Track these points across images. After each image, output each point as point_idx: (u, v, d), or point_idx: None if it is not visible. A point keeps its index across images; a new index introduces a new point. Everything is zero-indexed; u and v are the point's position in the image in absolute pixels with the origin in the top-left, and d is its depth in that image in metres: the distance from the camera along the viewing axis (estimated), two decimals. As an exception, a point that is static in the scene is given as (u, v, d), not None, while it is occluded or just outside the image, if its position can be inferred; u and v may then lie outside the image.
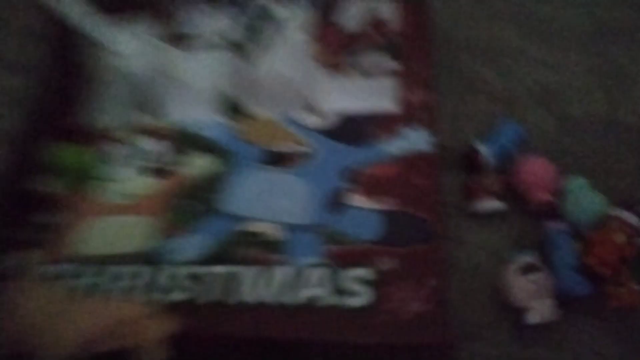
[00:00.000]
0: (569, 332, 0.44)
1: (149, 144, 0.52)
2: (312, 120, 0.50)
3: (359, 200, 0.45)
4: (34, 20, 0.55)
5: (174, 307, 0.40)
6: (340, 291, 0.41)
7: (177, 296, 0.42)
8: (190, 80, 0.54)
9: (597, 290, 0.43)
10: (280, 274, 0.42)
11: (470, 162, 0.51)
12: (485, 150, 0.50)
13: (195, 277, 0.43)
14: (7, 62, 0.54)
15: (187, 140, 0.51)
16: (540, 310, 0.43)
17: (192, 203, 0.47)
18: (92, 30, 0.54)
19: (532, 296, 0.43)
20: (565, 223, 0.46)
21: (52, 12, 0.53)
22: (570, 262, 0.44)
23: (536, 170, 0.49)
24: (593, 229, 0.45)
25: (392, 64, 0.51)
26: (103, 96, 0.54)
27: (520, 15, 0.62)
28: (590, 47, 0.59)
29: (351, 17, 0.54)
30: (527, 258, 0.45)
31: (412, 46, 0.52)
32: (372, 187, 0.45)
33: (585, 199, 0.46)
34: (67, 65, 0.56)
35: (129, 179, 0.50)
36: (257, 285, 0.42)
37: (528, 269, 0.44)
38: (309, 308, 0.41)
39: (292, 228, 0.45)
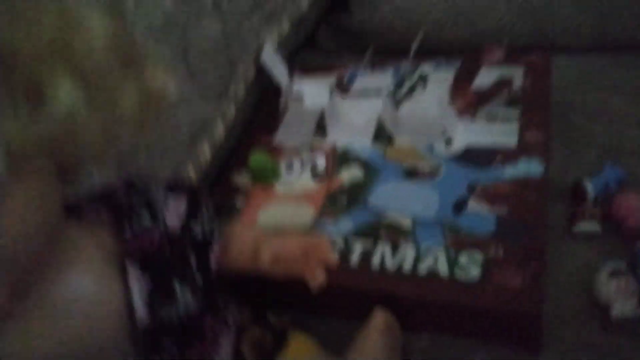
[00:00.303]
0: None
1: (318, 158, 0.69)
2: (444, 150, 0.64)
3: (477, 206, 0.57)
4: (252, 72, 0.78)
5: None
6: (454, 267, 0.52)
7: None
8: (353, 117, 0.72)
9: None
10: (406, 250, 0.55)
11: (576, 195, 0.61)
12: (589, 185, 0.60)
13: (343, 246, 0.57)
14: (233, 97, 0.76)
15: (345, 157, 0.68)
16: (622, 306, 0.50)
17: (344, 198, 0.63)
18: (288, 82, 0.75)
19: (617, 295, 0.50)
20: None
21: (266, 70, 0.76)
22: (656, 272, 0.51)
23: (631, 202, 0.57)
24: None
25: (515, 113, 0.65)
26: (291, 125, 0.74)
27: (625, 87, 0.73)
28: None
29: (485, 79, 0.69)
30: (615, 264, 0.53)
31: (532, 100, 0.65)
32: (490, 197, 0.57)
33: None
34: (271, 103, 0.77)
35: (299, 180, 0.67)
36: (386, 257, 0.55)
37: (615, 273, 0.52)
38: (428, 277, 0.53)
39: (420, 221, 0.58)
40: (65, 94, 0.33)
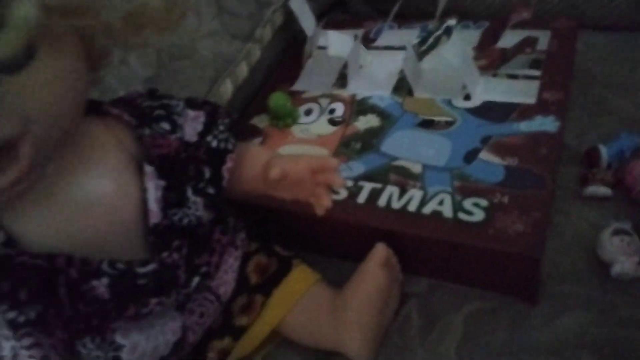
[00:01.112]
0: None
1: (336, 106, 0.70)
2: (462, 103, 0.64)
3: (488, 157, 0.57)
4: (281, 17, 0.79)
5: (336, 202, 0.55)
6: (459, 210, 0.53)
7: (339, 197, 0.57)
8: (375, 69, 0.73)
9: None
10: (414, 193, 0.56)
11: (589, 158, 0.60)
12: (604, 150, 0.60)
13: (352, 187, 0.58)
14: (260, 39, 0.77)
15: (363, 106, 0.68)
16: (624, 264, 0.50)
17: (357, 143, 0.64)
18: (314, 31, 0.76)
19: (620, 252, 0.50)
20: (663, 208, 0.54)
21: (295, 16, 0.77)
22: (661, 234, 0.51)
23: (640, 167, 0.57)
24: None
25: (535, 72, 0.65)
26: (312, 73, 0.75)
27: None
28: None
29: (510, 39, 0.69)
30: (620, 224, 0.53)
31: (555, 63, 0.65)
32: (502, 149, 0.57)
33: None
34: (297, 50, 0.78)
35: (315, 124, 0.68)
36: (394, 198, 0.56)
37: (620, 232, 0.52)
38: (433, 217, 0.53)
39: (430, 167, 0.58)
40: None
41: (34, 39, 0.32)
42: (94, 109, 0.45)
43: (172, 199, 0.45)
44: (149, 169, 0.44)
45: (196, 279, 0.46)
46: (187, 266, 0.45)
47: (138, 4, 0.39)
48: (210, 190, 0.48)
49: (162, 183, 0.44)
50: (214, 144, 0.49)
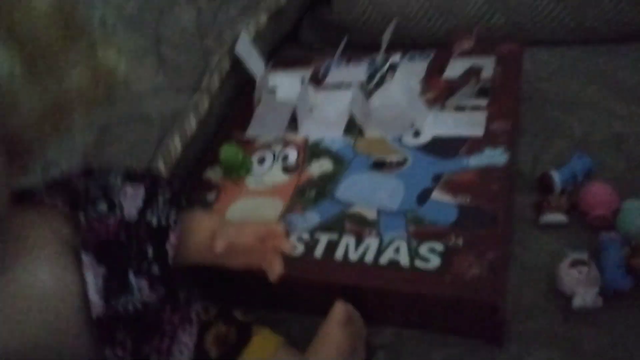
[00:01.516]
0: (610, 318, 0.49)
1: (289, 151, 0.69)
2: (412, 140, 0.64)
3: (440, 196, 0.57)
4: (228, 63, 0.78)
5: (294, 258, 0.54)
6: (415, 257, 0.52)
7: (296, 252, 0.56)
8: (325, 110, 0.72)
9: (638, 287, 0.49)
10: (370, 242, 0.55)
11: (543, 185, 0.60)
12: (556, 175, 0.59)
13: (309, 239, 0.57)
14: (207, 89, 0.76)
15: (316, 150, 0.68)
16: (584, 296, 0.49)
17: (312, 191, 0.63)
18: (262, 75, 0.75)
19: (579, 284, 0.50)
20: (617, 234, 0.53)
21: (242, 62, 0.76)
22: (616, 262, 0.50)
23: (597, 191, 0.56)
24: (640, 239, 0.51)
25: (482, 102, 0.64)
26: (264, 118, 0.74)
27: (599, 76, 0.72)
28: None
29: (456, 69, 0.68)
30: (577, 254, 0.52)
31: (500, 90, 0.65)
32: (453, 188, 0.57)
33: (637, 216, 0.53)
34: (246, 96, 0.77)
35: (269, 173, 0.67)
36: (350, 249, 0.55)
37: (577, 263, 0.51)
38: (390, 267, 0.52)
39: (385, 212, 0.57)
40: (1, 59, 0.33)
41: None
42: (28, 198, 0.43)
43: (114, 287, 0.43)
44: (86, 257, 0.42)
45: None
46: (135, 357, 0.43)
47: (60, 93, 0.38)
48: (155, 270, 0.46)
49: (102, 270, 0.42)
50: (154, 221, 0.47)
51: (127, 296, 0.44)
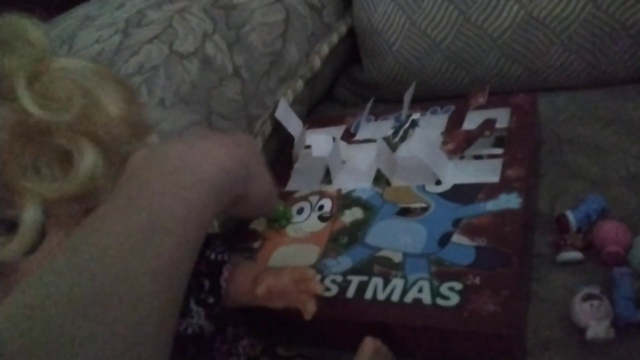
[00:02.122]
0: (622, 349, 0.52)
1: (324, 202, 0.77)
2: (434, 188, 0.70)
3: (460, 239, 0.62)
4: (270, 127, 0.88)
5: (328, 299, 0.61)
6: (437, 296, 0.58)
7: (330, 293, 0.63)
8: (356, 162, 0.79)
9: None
10: (396, 283, 0.61)
11: (559, 225, 0.64)
12: (571, 216, 0.64)
13: (341, 281, 0.64)
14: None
15: (348, 200, 0.75)
16: (597, 328, 0.53)
17: (345, 238, 0.70)
18: (300, 135, 0.84)
19: (591, 317, 0.53)
20: (629, 268, 0.56)
21: (282, 125, 0.86)
22: (628, 295, 0.53)
23: (611, 229, 0.60)
24: (651, 272, 0.55)
25: (498, 151, 0.70)
26: (301, 173, 0.82)
27: (614, 118, 0.76)
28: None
29: (473, 122, 0.75)
30: (590, 289, 0.56)
31: (515, 138, 0.70)
32: (471, 230, 0.62)
33: (648, 250, 0.56)
34: (285, 155, 0.86)
35: (307, 223, 0.75)
36: (379, 290, 0.61)
37: (590, 297, 0.55)
38: (415, 305, 0.58)
39: (409, 255, 0.63)
40: (89, 158, 0.43)
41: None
42: None
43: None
44: None
45: None
46: None
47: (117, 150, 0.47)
48: (210, 300, 0.55)
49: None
50: (212, 256, 0.57)
51: (187, 319, 0.52)
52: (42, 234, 0.41)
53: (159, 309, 0.34)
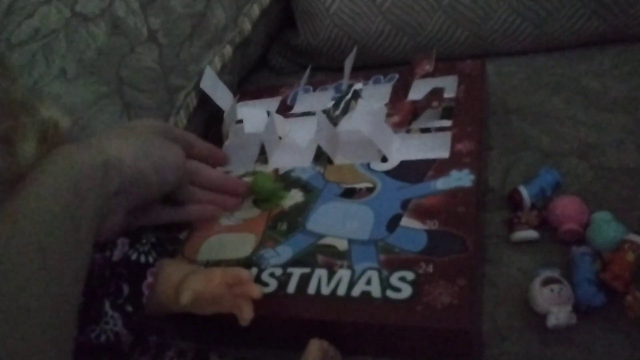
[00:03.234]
0: (584, 335, 0.49)
1: (259, 184, 0.69)
2: (380, 166, 0.64)
3: (409, 222, 0.57)
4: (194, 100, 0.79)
5: (267, 295, 0.54)
6: (387, 288, 0.52)
7: (268, 288, 0.56)
8: (294, 139, 0.72)
9: (611, 302, 0.49)
10: (342, 274, 0.55)
11: (513, 201, 0.60)
12: (525, 191, 0.59)
13: (281, 275, 0.57)
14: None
15: (286, 179, 0.67)
16: (558, 314, 0.49)
17: (284, 224, 0.62)
18: (230, 108, 0.75)
19: (552, 303, 0.50)
20: (588, 247, 0.53)
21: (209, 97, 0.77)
22: (589, 277, 0.50)
23: (567, 206, 0.56)
24: (610, 251, 0.51)
25: (447, 123, 0.64)
26: (233, 151, 0.73)
27: (565, 86, 0.73)
28: (624, 109, 0.66)
29: (419, 92, 0.69)
30: (549, 272, 0.52)
31: (464, 109, 0.65)
32: (421, 212, 0.57)
33: (606, 228, 0.52)
34: (214, 131, 0.77)
35: (242, 209, 0.67)
36: (323, 283, 0.55)
37: (549, 281, 0.51)
38: (363, 299, 0.52)
39: (356, 242, 0.57)
40: None
41: None
42: None
43: (90, 316, 0.44)
44: None
45: None
46: None
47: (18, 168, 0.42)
48: (129, 308, 0.47)
49: (81, 299, 0.43)
50: (134, 256, 0.49)
51: (101, 325, 0.45)
52: None
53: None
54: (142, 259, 0.50)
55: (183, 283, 0.47)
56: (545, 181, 0.60)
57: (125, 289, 0.48)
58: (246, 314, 0.47)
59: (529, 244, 0.58)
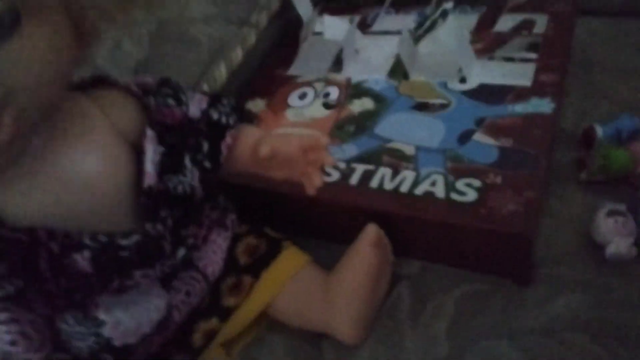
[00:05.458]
0: None
1: (331, 89, 0.69)
2: (458, 86, 0.64)
3: (482, 138, 0.57)
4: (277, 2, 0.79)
5: (329, 184, 0.55)
6: (452, 191, 0.52)
7: (331, 178, 0.57)
8: (370, 53, 0.72)
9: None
10: (406, 174, 0.55)
11: (585, 139, 0.60)
12: (599, 130, 0.59)
13: (345, 168, 0.58)
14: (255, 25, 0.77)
15: (358, 89, 0.68)
16: (619, 244, 0.49)
17: (351, 126, 0.63)
18: (310, 16, 0.76)
19: (615, 233, 0.49)
20: (657, 193, 0.53)
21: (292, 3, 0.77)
22: (654, 216, 0.50)
23: (640, 151, 0.56)
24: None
25: (532, 55, 0.64)
26: (308, 57, 0.74)
27: None
28: None
29: (506, 24, 0.68)
30: (615, 206, 0.52)
31: (551, 45, 0.64)
32: (496, 130, 0.57)
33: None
34: (293, 35, 0.78)
35: (309, 108, 0.68)
36: (386, 179, 0.56)
37: (614, 213, 0.51)
38: (426, 198, 0.53)
39: (423, 149, 0.58)
40: None
41: (18, 4, 0.32)
42: (101, 81, 0.45)
43: (169, 165, 0.45)
44: (150, 132, 0.44)
45: (182, 251, 0.46)
46: (173, 237, 0.44)
47: None
48: (207, 164, 0.48)
49: (161, 149, 0.44)
50: (215, 116, 0.50)
51: (179, 177, 0.45)
52: (13, 21, 0.33)
53: None
54: (223, 119, 0.50)
55: (262, 139, 0.48)
56: (623, 124, 0.59)
57: (205, 145, 0.48)
58: (316, 181, 0.48)
59: (596, 184, 0.58)
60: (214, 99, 0.51)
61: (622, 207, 0.52)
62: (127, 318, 0.43)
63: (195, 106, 0.49)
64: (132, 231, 0.41)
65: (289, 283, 0.53)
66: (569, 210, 0.57)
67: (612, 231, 0.51)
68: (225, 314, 0.52)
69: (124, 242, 0.41)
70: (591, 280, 0.51)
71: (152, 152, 0.43)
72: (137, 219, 0.42)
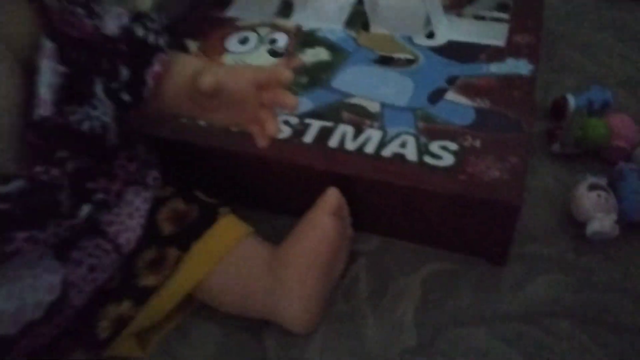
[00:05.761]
0: (623, 250, 0.45)
1: (278, 36, 0.59)
2: (425, 41, 0.56)
3: (456, 98, 0.50)
4: None
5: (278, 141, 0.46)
6: (425, 153, 0.45)
7: (283, 134, 0.48)
8: (324, 1, 0.63)
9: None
10: (371, 133, 0.47)
11: (556, 108, 0.55)
12: (572, 100, 0.54)
13: (297, 124, 0.48)
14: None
15: (310, 37, 0.58)
16: (602, 221, 0.44)
17: (304, 78, 0.54)
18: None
19: (598, 209, 0.45)
20: (635, 165, 0.49)
21: None
22: (635, 189, 0.45)
23: (616, 122, 0.52)
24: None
25: (503, 15, 0.58)
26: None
27: (613, 24, 0.69)
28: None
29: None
30: (596, 179, 0.47)
31: (522, 8, 0.59)
32: (471, 90, 0.50)
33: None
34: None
35: (253, 54, 0.57)
36: (348, 138, 0.47)
37: (596, 187, 0.46)
38: (395, 160, 0.45)
39: (390, 106, 0.50)
40: None
41: None
42: None
43: (73, 92, 0.33)
44: (48, 44, 0.32)
45: (86, 208, 0.34)
46: (74, 189, 0.33)
47: None
48: (126, 97, 0.37)
49: (62, 69, 0.32)
50: (140, 33, 0.38)
51: (86, 109, 0.33)
52: None
53: None
54: (151, 38, 0.38)
55: (204, 68, 0.37)
56: (595, 95, 0.55)
57: (124, 72, 0.37)
58: (270, 128, 0.38)
59: (568, 157, 0.53)
60: (139, 15, 0.39)
61: (603, 180, 0.48)
62: (2, 299, 0.31)
63: (114, 21, 0.38)
64: (14, 175, 0.30)
65: (225, 258, 0.42)
66: (542, 184, 0.52)
67: (594, 206, 0.46)
68: (141, 296, 0.40)
69: (1, 189, 0.29)
70: (570, 260, 0.46)
71: (48, 72, 0.31)
72: (23, 161, 0.30)
